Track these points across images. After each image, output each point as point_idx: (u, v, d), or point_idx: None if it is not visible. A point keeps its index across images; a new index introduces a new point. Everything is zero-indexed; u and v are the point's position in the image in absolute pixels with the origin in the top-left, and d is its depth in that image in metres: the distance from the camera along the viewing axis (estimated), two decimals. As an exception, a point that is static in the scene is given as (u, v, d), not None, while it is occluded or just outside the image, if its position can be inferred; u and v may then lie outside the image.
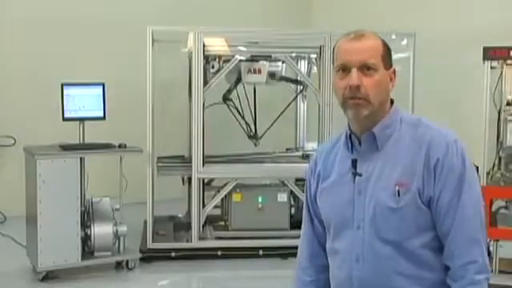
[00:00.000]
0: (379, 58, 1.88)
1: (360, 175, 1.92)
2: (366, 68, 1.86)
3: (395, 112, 1.95)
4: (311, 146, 6.90)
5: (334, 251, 2.01)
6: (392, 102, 1.97)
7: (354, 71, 1.85)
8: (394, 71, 1.95)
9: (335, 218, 1.99)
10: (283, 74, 6.48)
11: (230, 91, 6.39)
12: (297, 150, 7.02)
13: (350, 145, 1.96)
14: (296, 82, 6.74)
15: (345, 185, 1.95)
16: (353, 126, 1.95)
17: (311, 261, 2.15)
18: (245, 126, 6.60)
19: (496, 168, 4.96)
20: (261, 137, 6.63)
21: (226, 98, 6.39)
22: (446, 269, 1.88)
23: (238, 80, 6.29)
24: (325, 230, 2.09)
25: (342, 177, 1.97)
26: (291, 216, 6.07)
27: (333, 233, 2.01)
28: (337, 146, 2.04)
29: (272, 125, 6.58)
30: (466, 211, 1.85)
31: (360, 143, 1.93)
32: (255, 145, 6.67)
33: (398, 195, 1.85)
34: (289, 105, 6.80)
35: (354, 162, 1.94)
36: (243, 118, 6.56)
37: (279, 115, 6.59)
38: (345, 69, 1.87)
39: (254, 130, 6.62)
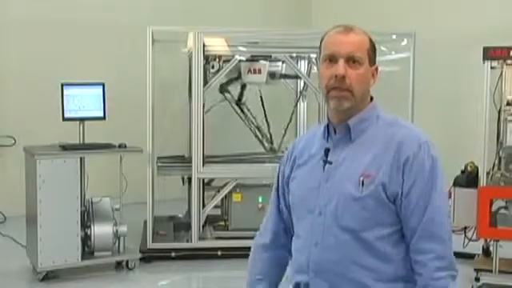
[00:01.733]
0: (365, 53, 1.96)
1: (330, 163, 1.98)
2: (352, 61, 1.94)
3: (373, 108, 2.02)
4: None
5: (297, 235, 2.08)
6: (371, 98, 2.03)
7: (341, 62, 1.93)
8: (377, 69, 2.02)
9: (300, 203, 2.06)
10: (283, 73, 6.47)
11: (228, 83, 6.36)
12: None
13: (326, 134, 2.03)
14: (297, 77, 6.72)
15: (315, 172, 2.02)
16: (332, 117, 2.02)
17: (274, 240, 2.22)
18: (257, 133, 6.58)
19: (496, 168, 4.96)
20: (278, 148, 6.60)
21: (223, 90, 6.36)
22: (412, 263, 1.92)
23: (238, 77, 6.28)
24: (290, 215, 2.15)
25: (315, 164, 2.03)
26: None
27: (297, 218, 2.08)
28: (316, 136, 2.10)
29: (285, 133, 6.57)
30: (436, 210, 1.91)
31: (336, 133, 2.00)
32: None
33: (362, 185, 1.90)
34: (294, 111, 6.78)
35: (327, 151, 2.00)
36: (253, 123, 6.53)
37: (289, 123, 6.59)
38: (332, 59, 1.95)
39: (271, 142, 6.62)
